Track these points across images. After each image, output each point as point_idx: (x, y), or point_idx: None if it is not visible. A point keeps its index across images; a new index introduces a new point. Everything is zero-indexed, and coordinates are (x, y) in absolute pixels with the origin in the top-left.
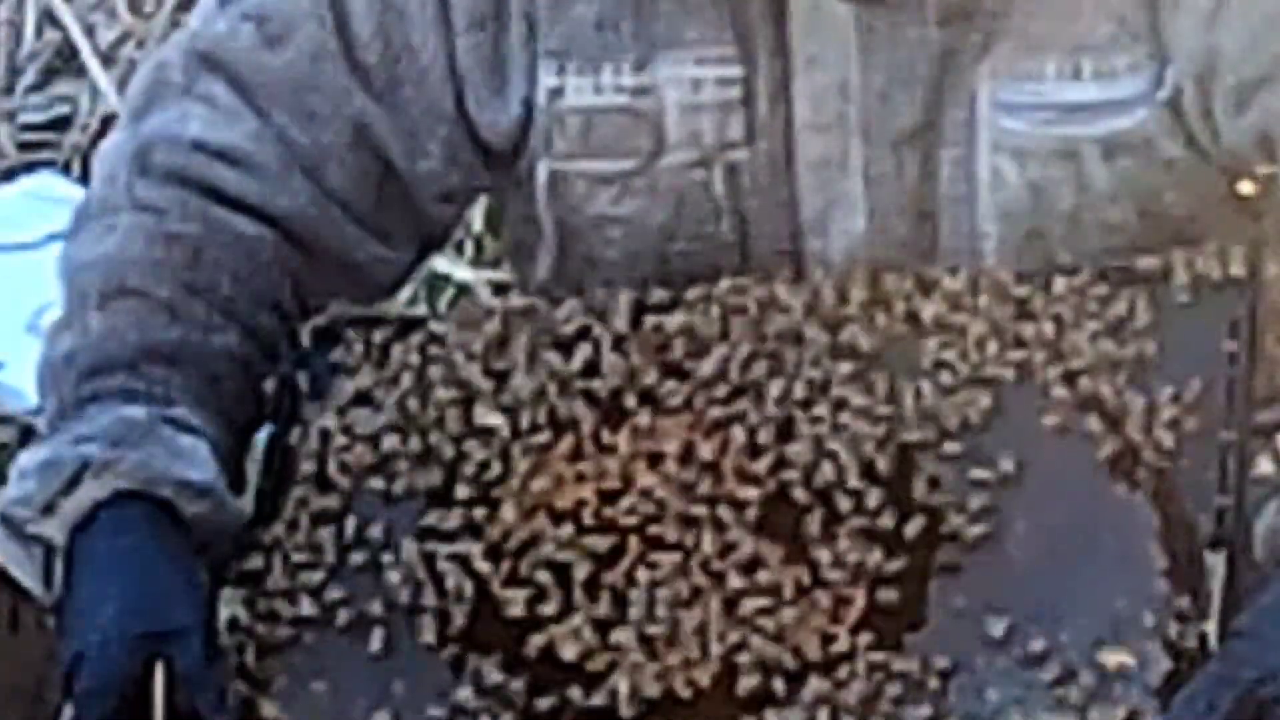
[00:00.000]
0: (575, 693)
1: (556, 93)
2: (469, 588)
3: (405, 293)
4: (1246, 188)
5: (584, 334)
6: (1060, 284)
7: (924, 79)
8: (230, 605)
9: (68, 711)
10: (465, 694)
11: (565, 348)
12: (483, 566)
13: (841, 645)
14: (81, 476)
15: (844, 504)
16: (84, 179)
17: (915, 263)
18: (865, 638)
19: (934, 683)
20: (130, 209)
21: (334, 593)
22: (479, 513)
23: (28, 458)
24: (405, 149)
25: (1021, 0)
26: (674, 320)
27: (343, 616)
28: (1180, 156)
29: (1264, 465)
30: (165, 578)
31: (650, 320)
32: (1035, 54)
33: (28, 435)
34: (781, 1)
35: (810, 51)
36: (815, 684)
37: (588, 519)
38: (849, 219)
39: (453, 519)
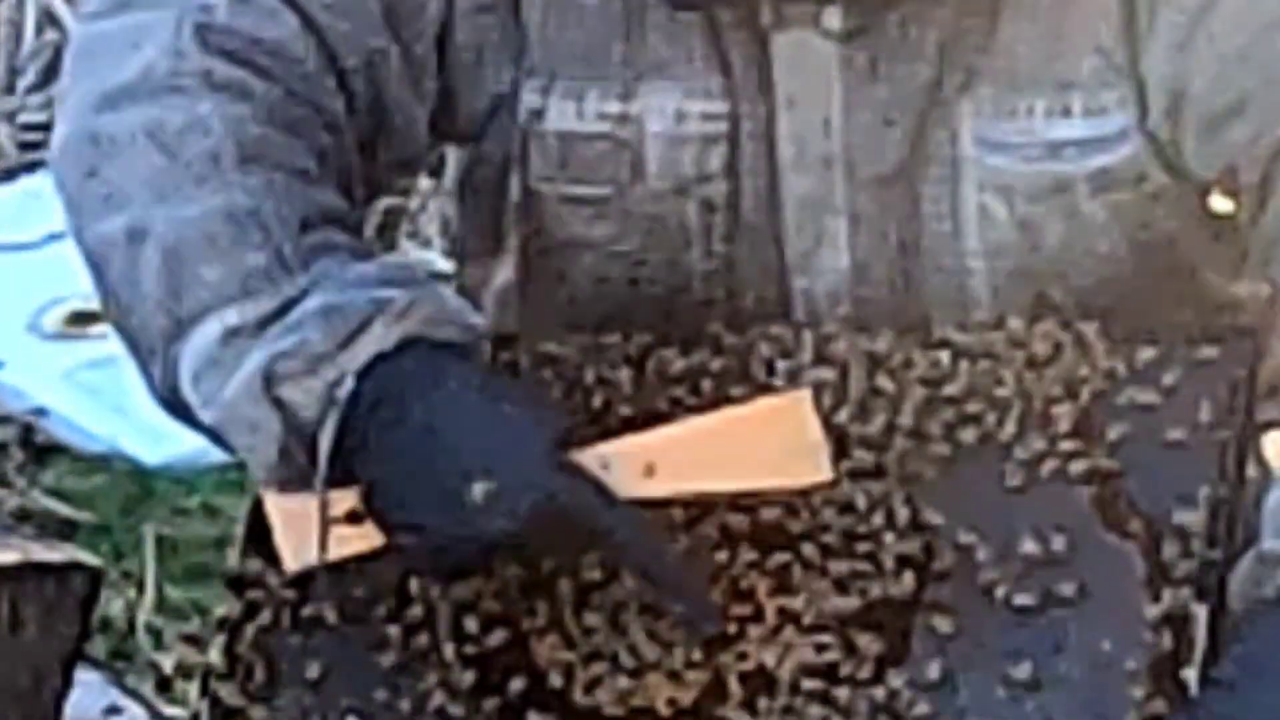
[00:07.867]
0: (560, 708)
1: (537, 114)
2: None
3: None
4: (1221, 205)
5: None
6: (1061, 335)
7: (907, 117)
8: (226, 606)
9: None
10: (443, 701)
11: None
12: (471, 580)
13: (822, 671)
14: (373, 320)
15: (834, 537)
16: None
17: (901, 300)
18: (847, 666)
19: (916, 711)
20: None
21: (324, 605)
22: None
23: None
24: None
25: (1004, 37)
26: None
27: (331, 618)
28: (1168, 185)
29: (1250, 469)
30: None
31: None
32: (1022, 92)
33: (28, 434)
34: (764, 39)
35: (792, 90)
36: (796, 707)
37: None
38: (835, 257)
39: None
